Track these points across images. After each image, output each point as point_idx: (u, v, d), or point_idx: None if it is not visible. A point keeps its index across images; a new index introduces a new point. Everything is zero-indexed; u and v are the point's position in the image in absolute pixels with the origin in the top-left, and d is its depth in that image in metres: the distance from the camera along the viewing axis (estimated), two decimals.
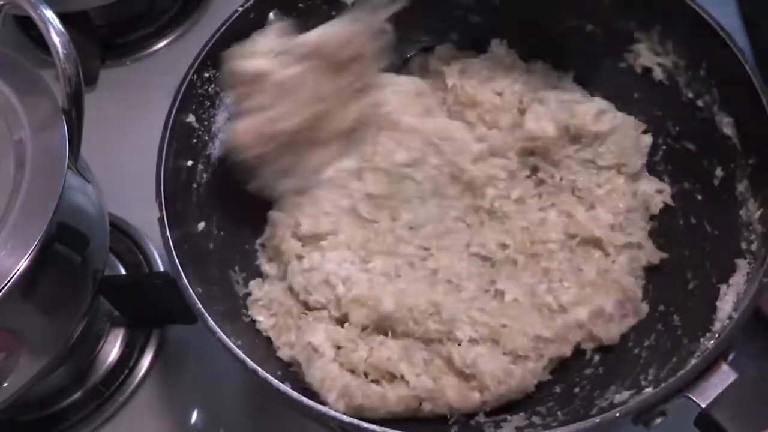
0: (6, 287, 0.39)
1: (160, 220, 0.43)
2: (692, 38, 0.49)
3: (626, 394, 0.42)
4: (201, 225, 0.49)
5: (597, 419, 0.37)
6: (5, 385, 0.44)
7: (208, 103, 0.51)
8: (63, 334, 0.46)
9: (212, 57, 0.49)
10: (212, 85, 0.50)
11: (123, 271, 0.61)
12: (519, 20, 0.55)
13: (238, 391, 0.55)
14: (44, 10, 0.46)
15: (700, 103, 0.49)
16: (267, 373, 0.39)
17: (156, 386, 0.56)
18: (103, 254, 0.49)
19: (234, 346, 0.39)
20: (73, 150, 0.46)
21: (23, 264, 0.40)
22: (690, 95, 0.50)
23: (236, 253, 0.52)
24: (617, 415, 0.37)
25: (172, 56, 0.76)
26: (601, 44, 0.54)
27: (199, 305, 0.40)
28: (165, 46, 0.76)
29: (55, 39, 0.45)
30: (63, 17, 0.46)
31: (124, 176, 0.64)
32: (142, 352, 0.57)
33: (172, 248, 0.42)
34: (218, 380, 0.56)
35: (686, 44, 0.49)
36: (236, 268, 0.51)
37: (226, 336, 0.40)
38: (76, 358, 0.55)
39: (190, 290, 0.41)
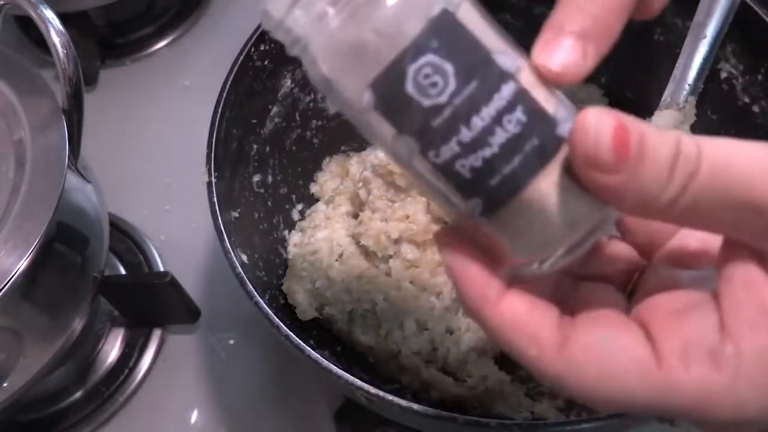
0: (6, 287, 0.39)
1: (209, 185, 0.45)
2: (754, 43, 0.49)
3: None
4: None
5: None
6: (5, 385, 0.44)
7: (265, 75, 0.52)
8: (63, 334, 0.46)
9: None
10: (268, 60, 0.51)
11: (123, 271, 0.61)
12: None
13: (239, 391, 0.55)
14: (44, 10, 0.45)
15: (755, 108, 0.49)
16: (300, 340, 0.40)
17: (156, 386, 0.56)
18: (103, 254, 0.49)
19: (270, 311, 0.40)
20: (73, 150, 0.46)
21: (23, 264, 0.40)
22: (746, 100, 0.50)
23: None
24: None
25: (172, 56, 0.76)
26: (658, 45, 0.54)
27: (240, 269, 0.42)
28: (165, 46, 0.76)
29: (55, 39, 0.45)
30: (63, 17, 0.46)
31: (124, 176, 0.65)
32: (142, 352, 0.57)
33: (218, 212, 0.44)
34: (218, 380, 0.56)
35: (746, 48, 0.49)
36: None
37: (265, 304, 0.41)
38: (76, 358, 0.55)
39: (232, 254, 0.43)
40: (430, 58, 0.22)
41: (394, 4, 0.22)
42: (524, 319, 0.24)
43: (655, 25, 0.54)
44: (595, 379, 0.23)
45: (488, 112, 0.22)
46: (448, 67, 0.22)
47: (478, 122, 0.22)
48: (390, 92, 0.22)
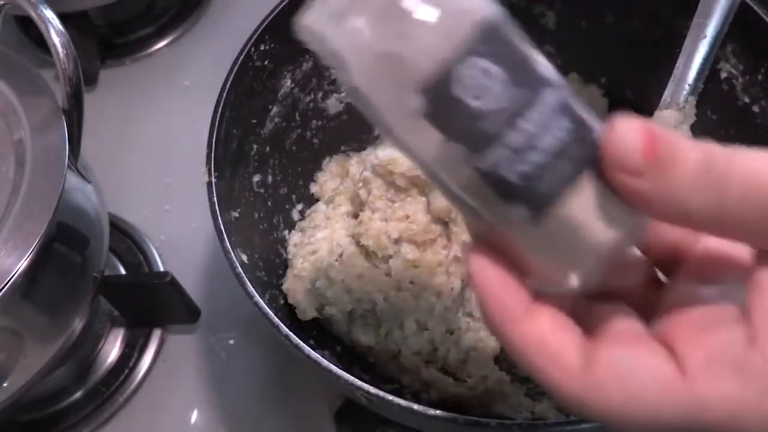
0: (6, 287, 0.39)
1: (209, 185, 0.45)
2: (754, 43, 0.49)
3: None
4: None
5: None
6: (5, 385, 0.44)
7: (265, 75, 0.52)
8: (63, 334, 0.46)
9: (270, 31, 0.50)
10: (268, 60, 0.51)
11: (123, 271, 0.61)
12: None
13: (239, 391, 0.55)
14: (44, 10, 0.45)
15: (755, 108, 0.49)
16: (300, 340, 0.40)
17: (156, 386, 0.56)
18: (103, 254, 0.49)
19: (270, 311, 0.40)
20: (73, 150, 0.46)
21: (23, 264, 0.40)
22: (746, 100, 0.50)
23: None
24: None
25: (172, 56, 0.76)
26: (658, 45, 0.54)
27: (240, 269, 0.42)
28: (165, 46, 0.76)
29: (55, 39, 0.45)
30: (63, 17, 0.46)
31: (124, 176, 0.65)
32: (142, 352, 0.57)
33: (218, 212, 0.44)
34: (218, 380, 0.56)
35: (746, 48, 0.49)
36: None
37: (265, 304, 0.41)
38: (76, 358, 0.55)
39: (232, 254, 0.43)
40: (477, 61, 0.22)
41: (435, 17, 0.22)
42: (548, 338, 0.24)
43: (655, 25, 0.54)
44: (620, 400, 0.23)
45: (532, 116, 0.22)
46: (495, 71, 0.22)
47: (525, 126, 0.22)
48: (438, 96, 0.22)
